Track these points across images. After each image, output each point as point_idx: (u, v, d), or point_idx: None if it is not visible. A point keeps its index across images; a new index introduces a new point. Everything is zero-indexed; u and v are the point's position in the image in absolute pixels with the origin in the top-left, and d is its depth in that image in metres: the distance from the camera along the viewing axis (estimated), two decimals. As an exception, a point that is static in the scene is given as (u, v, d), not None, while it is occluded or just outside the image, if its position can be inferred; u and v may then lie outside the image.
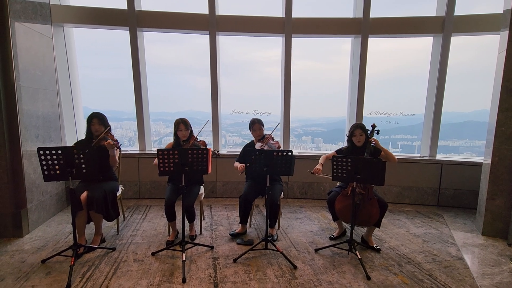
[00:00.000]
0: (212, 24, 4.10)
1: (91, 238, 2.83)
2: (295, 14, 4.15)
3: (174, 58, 5.04)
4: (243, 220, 3.04)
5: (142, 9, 4.08)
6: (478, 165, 3.75)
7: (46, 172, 2.28)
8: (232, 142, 5.02)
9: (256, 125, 3.09)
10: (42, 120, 3.31)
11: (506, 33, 3.02)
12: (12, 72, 2.83)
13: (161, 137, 5.05)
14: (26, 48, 3.06)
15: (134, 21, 4.00)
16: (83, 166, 2.33)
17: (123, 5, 3.97)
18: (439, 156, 4.32)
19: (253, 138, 3.21)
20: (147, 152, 4.33)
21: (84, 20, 3.97)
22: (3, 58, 2.78)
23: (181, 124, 2.92)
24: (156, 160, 2.90)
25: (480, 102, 4.41)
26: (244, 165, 2.94)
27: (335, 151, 3.02)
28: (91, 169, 2.36)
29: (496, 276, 2.43)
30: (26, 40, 3.08)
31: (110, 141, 2.65)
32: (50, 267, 2.41)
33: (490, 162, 3.15)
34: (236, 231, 3.06)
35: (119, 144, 2.75)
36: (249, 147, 3.17)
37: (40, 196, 3.27)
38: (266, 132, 3.17)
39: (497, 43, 3.25)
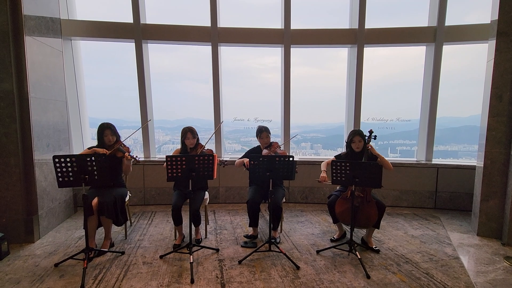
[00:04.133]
0: (214, 36, 4.28)
1: (100, 243, 2.94)
2: (294, 25, 4.35)
3: (172, 65, 5.19)
4: (254, 223, 3.14)
5: (147, 23, 4.26)
6: (472, 168, 3.88)
7: (60, 179, 2.41)
8: (232, 149, 5.13)
9: (263, 133, 3.23)
10: (53, 130, 3.45)
11: (493, 42, 3.20)
12: (26, 84, 2.98)
13: (160, 145, 5.15)
14: (38, 62, 3.22)
15: (139, 34, 4.18)
16: (95, 173, 2.46)
17: (129, 19, 4.16)
18: (435, 160, 4.46)
19: (257, 144, 3.35)
20: (151, 159, 4.46)
21: (92, 33, 4.15)
22: (18, 71, 2.94)
23: (189, 133, 3.06)
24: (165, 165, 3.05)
25: (477, 107, 4.57)
26: (248, 159, 3.02)
27: (334, 156, 3.16)
28: (103, 176, 2.49)
29: (490, 273, 2.54)
30: (39, 54, 3.24)
31: (127, 154, 2.83)
32: (63, 270, 2.52)
33: (482, 165, 3.29)
34: (249, 234, 3.19)
35: (138, 158, 2.87)
36: (254, 152, 3.30)
37: (50, 203, 3.38)
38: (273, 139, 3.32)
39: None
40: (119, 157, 2.90)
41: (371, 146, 2.91)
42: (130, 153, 2.89)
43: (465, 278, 2.46)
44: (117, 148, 2.88)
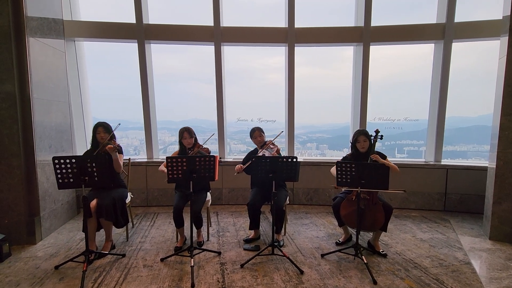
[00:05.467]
0: (217, 35, 4.24)
1: (102, 245, 2.90)
2: (298, 23, 4.27)
3: (177, 66, 5.18)
4: (254, 226, 3.09)
5: (150, 23, 4.24)
6: (484, 169, 3.75)
7: (60, 181, 2.38)
8: (237, 150, 5.09)
9: (256, 132, 3.18)
10: (55, 131, 3.44)
11: (506, 39, 3.07)
12: (28, 85, 2.97)
13: (166, 145, 5.12)
14: (41, 63, 3.21)
15: (142, 34, 4.16)
16: (95, 174, 2.42)
17: (132, 19, 4.14)
18: (445, 161, 4.33)
19: (255, 146, 3.29)
20: (154, 160, 4.43)
21: (95, 34, 4.14)
22: (20, 73, 2.93)
23: (185, 133, 3.03)
24: (161, 167, 3.00)
25: (486, 106, 4.43)
26: (241, 165, 3.05)
27: (341, 159, 3.06)
28: (102, 177, 2.45)
29: (504, 280, 2.43)
30: (41, 55, 3.23)
31: (110, 145, 2.76)
32: (63, 273, 2.49)
33: (495, 167, 3.16)
34: (249, 237, 3.14)
35: (119, 146, 2.87)
36: (253, 153, 3.24)
37: (52, 204, 3.37)
38: (269, 138, 3.25)
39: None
40: (106, 151, 2.82)
41: (376, 157, 2.78)
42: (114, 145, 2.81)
43: (477, 284, 2.35)
44: (106, 143, 2.82)
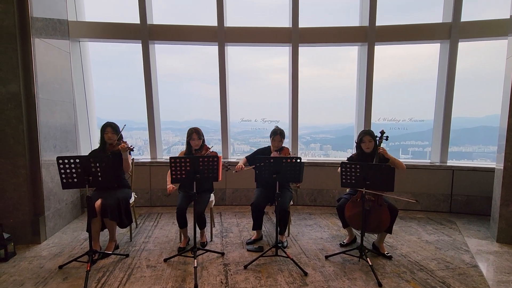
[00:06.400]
0: (221, 35, 4.23)
1: (105, 245, 2.90)
2: (302, 23, 4.25)
3: (181, 67, 5.18)
4: (257, 226, 3.07)
5: (154, 23, 4.25)
6: (490, 170, 3.70)
7: (64, 180, 2.38)
8: (240, 150, 5.07)
9: (277, 136, 3.12)
10: (60, 131, 3.45)
11: (514, 38, 3.03)
12: (33, 86, 2.98)
13: (169, 146, 5.13)
14: (46, 63, 3.23)
15: (146, 34, 4.17)
16: (99, 174, 2.43)
17: (136, 20, 4.15)
18: (450, 162, 4.27)
19: (267, 145, 3.28)
20: (158, 160, 4.43)
21: (100, 35, 4.16)
22: (25, 73, 2.94)
23: (194, 134, 3.00)
24: (169, 173, 3.00)
25: (492, 106, 4.36)
26: (242, 165, 3.06)
27: (347, 159, 3.04)
28: (106, 177, 2.45)
29: (512, 283, 2.38)
30: (46, 55, 3.25)
31: (123, 144, 2.79)
32: (67, 273, 2.49)
33: (502, 167, 3.11)
34: (252, 238, 3.12)
35: (132, 147, 2.90)
36: (263, 152, 3.21)
37: (57, 204, 3.38)
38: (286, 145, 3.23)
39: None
40: (116, 151, 2.86)
41: (383, 149, 2.77)
42: (127, 145, 2.86)
43: (484, 288, 2.32)
44: (116, 144, 2.86)
